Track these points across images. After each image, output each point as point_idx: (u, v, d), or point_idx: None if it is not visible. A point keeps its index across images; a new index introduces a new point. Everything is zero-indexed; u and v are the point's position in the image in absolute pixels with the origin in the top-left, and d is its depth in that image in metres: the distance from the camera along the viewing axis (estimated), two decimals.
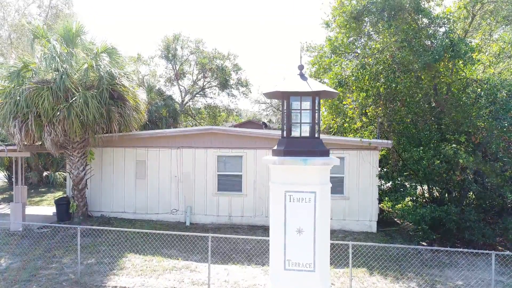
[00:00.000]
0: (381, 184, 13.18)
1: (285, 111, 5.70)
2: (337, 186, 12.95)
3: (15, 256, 10.02)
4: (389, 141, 12.32)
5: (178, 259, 10.00)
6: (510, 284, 8.99)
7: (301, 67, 5.88)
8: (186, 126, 31.62)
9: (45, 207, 15.79)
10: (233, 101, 33.79)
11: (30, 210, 15.09)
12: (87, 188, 13.46)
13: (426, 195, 13.11)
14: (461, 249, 8.66)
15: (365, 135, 11.78)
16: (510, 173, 10.09)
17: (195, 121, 35.43)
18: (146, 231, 9.54)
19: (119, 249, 10.62)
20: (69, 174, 13.04)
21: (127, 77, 12.71)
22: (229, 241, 11.63)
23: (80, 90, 11.20)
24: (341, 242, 8.78)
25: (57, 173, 19.24)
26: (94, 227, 9.58)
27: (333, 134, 18.42)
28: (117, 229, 9.44)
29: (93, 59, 11.39)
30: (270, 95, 5.80)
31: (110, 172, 13.92)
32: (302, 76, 5.74)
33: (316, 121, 5.63)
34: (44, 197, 18.18)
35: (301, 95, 5.49)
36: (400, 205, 12.23)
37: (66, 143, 11.94)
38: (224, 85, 32.01)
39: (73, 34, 11.97)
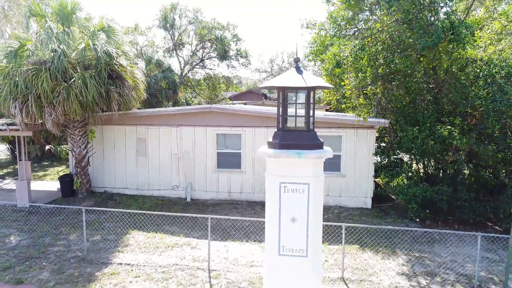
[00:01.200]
0: (378, 161, 13.43)
1: (280, 103, 5.83)
2: (334, 163, 13.23)
3: (24, 233, 10.48)
4: (386, 120, 12.45)
5: (179, 236, 10.46)
6: (495, 260, 9.45)
7: (297, 60, 5.94)
8: (186, 98, 31.59)
9: (49, 182, 16.18)
10: (233, 72, 33.49)
11: (35, 185, 15.45)
12: (90, 166, 13.77)
13: (422, 170, 13.40)
14: (449, 231, 9.07)
15: (363, 113, 11.87)
16: (503, 154, 10.31)
17: (195, 92, 35.27)
18: (149, 212, 9.93)
19: (122, 226, 11.06)
20: (71, 152, 13.30)
21: (125, 56, 12.64)
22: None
23: (79, 70, 11.20)
24: (335, 223, 9.13)
25: (59, 146, 19.49)
26: (98, 208, 9.94)
27: (332, 110, 18.54)
28: (121, 210, 9.79)
29: (90, 39, 11.29)
30: (267, 88, 5.90)
31: (111, 149, 14.17)
32: (298, 69, 5.80)
33: (311, 114, 5.76)
34: (48, 171, 18.56)
35: (296, 90, 5.60)
36: (395, 181, 12.56)
37: (67, 122, 12.09)
38: (223, 56, 31.57)
39: (68, 12, 11.78)
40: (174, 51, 32.82)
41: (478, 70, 10.77)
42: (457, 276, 8.50)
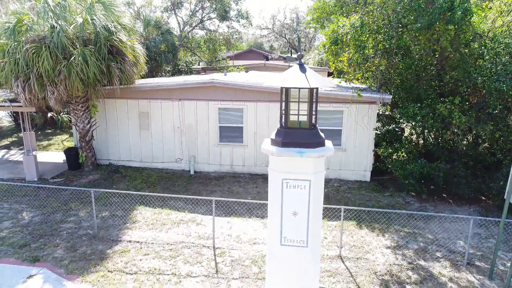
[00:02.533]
0: (379, 128, 13.51)
1: (283, 101, 5.90)
2: (335, 138, 13.39)
3: (35, 208, 10.90)
4: (388, 96, 12.43)
5: (184, 212, 10.89)
6: (486, 237, 9.92)
7: (300, 56, 5.91)
8: (186, 62, 31.04)
9: (55, 153, 16.46)
10: (234, 34, 32.58)
11: (40, 156, 15.75)
12: (94, 140, 13.96)
13: (422, 142, 13.58)
14: (442, 214, 9.43)
15: (366, 83, 11.86)
16: (500, 134, 10.44)
17: (195, 55, 34.57)
18: (155, 194, 10.22)
19: (129, 202, 11.48)
20: (75, 126, 13.43)
21: (125, 29, 12.34)
22: (232, 191, 12.47)
23: (78, 46, 11.02)
24: (334, 206, 9.47)
25: (60, 116, 19.56)
26: (107, 190, 10.22)
27: (332, 77, 18.24)
28: (128, 192, 10.10)
29: (88, 13, 10.98)
30: (270, 87, 5.93)
31: (114, 123, 14.28)
32: (301, 66, 5.79)
33: (314, 112, 5.85)
34: (52, 141, 18.79)
35: (299, 88, 5.64)
36: (394, 155, 12.80)
37: (70, 98, 12.10)
38: (223, 17, 30.58)
39: None
40: (173, 11, 31.74)
41: (483, 47, 10.59)
42: (448, 253, 8.99)
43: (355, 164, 13.48)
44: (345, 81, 12.74)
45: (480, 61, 10.57)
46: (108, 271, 8.08)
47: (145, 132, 14.21)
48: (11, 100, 11.90)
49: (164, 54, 27.43)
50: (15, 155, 16.20)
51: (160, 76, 26.85)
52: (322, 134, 6.08)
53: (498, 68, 10.02)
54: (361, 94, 11.54)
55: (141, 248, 8.96)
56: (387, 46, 10.83)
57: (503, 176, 10.84)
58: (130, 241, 9.22)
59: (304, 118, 5.87)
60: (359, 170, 13.53)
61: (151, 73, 25.84)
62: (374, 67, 11.52)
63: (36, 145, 17.20)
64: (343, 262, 8.54)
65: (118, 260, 8.45)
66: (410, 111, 11.25)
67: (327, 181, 13.51)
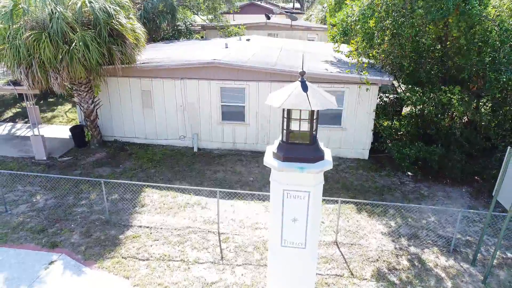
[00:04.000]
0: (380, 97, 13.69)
1: (285, 117, 6.12)
2: (336, 118, 13.62)
3: (48, 191, 11.45)
4: (390, 78, 12.45)
5: (190, 194, 11.44)
6: (474, 220, 10.53)
7: (302, 73, 6.03)
8: (185, 24, 30.13)
9: (60, 128, 16.71)
10: None
11: (46, 131, 16.05)
12: (98, 118, 14.20)
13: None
14: (432, 207, 9.93)
15: (365, 69, 11.84)
16: (497, 122, 10.67)
17: (194, 13, 33.40)
18: (161, 185, 10.72)
19: (136, 184, 12.01)
20: (79, 106, 13.60)
21: (123, 7, 12.04)
22: (235, 171, 12.95)
23: (78, 30, 10.87)
24: (331, 198, 9.97)
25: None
26: (116, 181, 10.61)
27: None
28: (136, 183, 10.61)
29: None
30: (272, 105, 6.11)
31: (117, 101, 14.41)
32: (303, 84, 5.95)
33: (314, 129, 6.09)
34: (55, 112, 18.95)
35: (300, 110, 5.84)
36: (393, 133, 13.12)
37: (73, 82, 12.15)
38: None
39: None
40: None
41: (488, 33, 10.45)
42: (437, 238, 9.65)
43: (354, 142, 13.82)
44: (350, 58, 12.60)
45: (484, 47, 10.49)
46: (122, 257, 8.78)
47: (148, 110, 14.39)
48: (14, 83, 11.98)
49: (163, 15, 26.62)
50: (22, 129, 16.49)
51: (159, 39, 26.29)
52: (322, 148, 6.37)
53: (501, 56, 9.99)
54: (369, 82, 11.60)
55: (150, 233, 9.61)
56: (394, 31, 10.69)
57: (496, 161, 11.25)
58: (140, 226, 9.86)
59: (305, 134, 6.13)
60: (358, 149, 13.90)
61: (149, 35, 25.29)
62: (380, 50, 11.43)
63: (40, 118, 17.46)
64: (338, 248, 9.22)
65: (130, 246, 9.14)
66: (412, 97, 11.40)
67: None
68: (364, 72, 11.47)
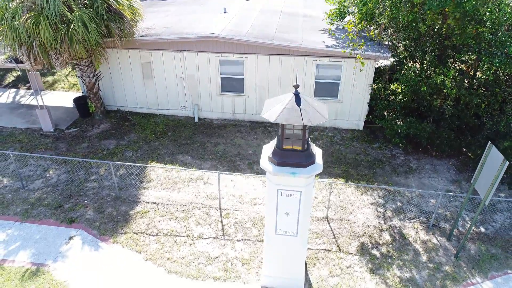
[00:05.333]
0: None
1: (280, 127, 6.59)
2: (333, 90, 13.91)
3: (59, 165, 12.19)
4: (388, 54, 12.54)
5: (193, 168, 12.19)
6: (456, 196, 11.38)
7: (296, 86, 6.40)
8: None
9: (62, 94, 16.98)
10: None
11: (49, 99, 16.39)
12: (101, 90, 14.48)
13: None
14: (417, 190, 10.60)
15: (361, 59, 11.95)
16: (485, 104, 11.03)
17: None
18: (166, 166, 11.36)
19: (142, 155, 12.71)
20: (82, 80, 13.82)
21: None
22: (234, 144, 13.58)
23: (75, 9, 10.79)
24: (324, 180, 10.68)
25: None
26: (125, 163, 11.11)
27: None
28: (141, 165, 11.20)
29: None
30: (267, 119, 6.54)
31: (118, 72, 14.57)
32: (296, 98, 6.35)
33: (306, 138, 6.61)
34: (56, 76, 19.05)
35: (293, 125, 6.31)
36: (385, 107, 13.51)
37: (74, 59, 12.29)
38: None
39: None
40: None
41: (488, 14, 10.41)
42: (419, 213, 10.57)
43: (350, 114, 14.27)
44: (349, 41, 12.56)
45: (480, 28, 10.51)
46: (134, 233, 9.77)
47: (149, 81, 14.62)
48: (16, 60, 12.11)
49: None
50: (25, 96, 16.79)
51: None
52: (314, 152, 6.96)
53: (497, 40, 10.09)
54: (364, 62, 11.73)
55: (158, 209, 10.53)
56: (391, 15, 10.64)
57: (483, 138, 11.82)
58: (148, 202, 10.75)
59: (298, 142, 6.66)
60: (353, 120, 14.38)
61: None
62: (376, 29, 11.42)
63: (42, 84, 17.68)
64: (329, 223, 10.18)
65: (140, 222, 10.09)
66: (406, 76, 11.65)
67: (323, 130, 14.51)
68: (358, 56, 11.56)
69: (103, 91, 14.91)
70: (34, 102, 16.05)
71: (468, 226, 10.14)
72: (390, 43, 12.46)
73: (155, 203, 10.73)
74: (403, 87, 11.92)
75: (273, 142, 7.10)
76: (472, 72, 11.43)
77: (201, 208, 10.58)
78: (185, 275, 8.66)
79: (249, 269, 8.83)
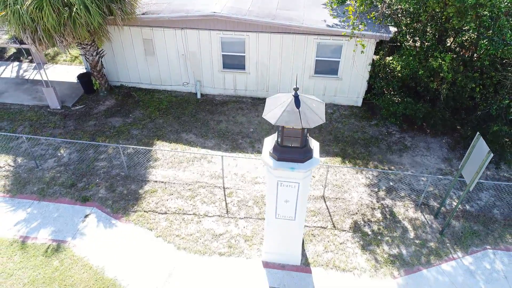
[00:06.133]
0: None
1: (280, 129, 7.05)
2: (333, 68, 14.11)
3: (70, 144, 12.73)
4: (387, 35, 12.60)
5: (197, 147, 12.75)
6: (446, 173, 12.04)
7: (296, 89, 6.77)
8: None
9: (65, 68, 17.13)
10: None
11: (52, 73, 16.56)
12: (104, 68, 14.66)
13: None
14: (407, 172, 11.18)
15: (363, 25, 11.99)
16: (480, 88, 11.35)
17: None
18: (170, 150, 11.87)
19: (147, 134, 13.23)
20: (85, 58, 13.98)
21: None
22: (236, 121, 14.02)
23: None
24: (321, 159, 11.22)
25: None
26: (135, 146, 11.58)
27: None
28: (146, 148, 11.69)
29: None
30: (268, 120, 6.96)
31: (120, 49, 14.66)
32: (296, 100, 6.75)
33: (305, 135, 7.09)
34: (57, 48, 19.00)
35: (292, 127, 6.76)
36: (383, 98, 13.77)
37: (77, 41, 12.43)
38: None
39: None
40: None
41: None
42: (410, 191, 11.28)
43: (349, 91, 14.57)
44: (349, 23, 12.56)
45: (480, 10, 10.56)
46: (144, 211, 10.55)
47: (151, 58, 14.76)
48: (21, 41, 12.23)
49: None
50: (28, 70, 16.95)
51: None
52: (311, 147, 7.47)
53: (497, 26, 10.21)
54: (364, 45, 11.87)
55: (165, 188, 11.23)
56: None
57: (475, 119, 12.26)
58: (156, 181, 11.44)
59: (296, 140, 7.15)
60: (352, 97, 14.71)
61: None
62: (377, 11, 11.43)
63: (44, 57, 17.75)
64: (325, 202, 10.93)
65: (149, 200, 10.84)
66: (404, 58, 11.85)
67: None
68: (358, 41, 11.67)
69: (106, 68, 15.10)
70: (38, 77, 16.28)
71: (455, 204, 10.89)
72: (391, 23, 12.47)
73: (162, 182, 11.43)
74: (402, 70, 12.15)
75: (274, 137, 7.59)
76: (469, 54, 11.59)
77: (206, 187, 11.29)
78: (193, 251, 9.54)
79: (251, 246, 9.70)
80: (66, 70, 16.92)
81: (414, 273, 9.20)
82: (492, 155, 7.97)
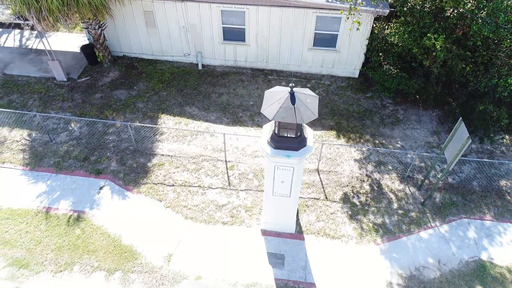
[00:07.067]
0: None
1: (276, 124, 7.75)
2: (331, 41, 14.37)
3: (79, 117, 13.42)
4: (386, 10, 12.74)
5: (200, 120, 13.46)
6: (433, 146, 12.88)
7: (292, 87, 7.38)
8: None
9: (67, 36, 17.26)
10: None
11: (54, 42, 16.72)
12: (107, 40, 14.89)
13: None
14: (397, 150, 11.93)
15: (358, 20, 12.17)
16: (470, 67, 11.78)
17: None
18: (174, 128, 12.49)
19: (152, 107, 13.87)
20: (88, 31, 14.19)
21: None
22: (237, 94, 14.57)
23: None
24: (317, 132, 11.95)
25: None
26: (140, 124, 12.24)
27: None
28: (152, 125, 12.29)
29: None
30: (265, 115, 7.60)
31: (122, 21, 14.76)
32: (292, 97, 7.39)
33: (299, 128, 7.81)
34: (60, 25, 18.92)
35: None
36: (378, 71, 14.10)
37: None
38: None
39: None
40: None
41: None
42: (398, 165, 12.20)
43: (347, 63, 14.94)
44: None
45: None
46: (153, 183, 11.54)
47: (152, 30, 14.94)
48: (25, 18, 12.44)
49: None
50: (31, 39, 17.10)
51: None
52: (305, 135, 8.22)
53: (490, 8, 10.45)
54: (360, 22, 12.02)
55: (172, 161, 12.14)
56: None
57: (465, 95, 12.83)
58: (163, 155, 12.32)
59: (292, 131, 7.89)
60: (350, 69, 15.11)
61: None
62: None
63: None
64: (319, 175, 11.89)
65: (158, 173, 11.79)
66: (400, 35, 12.15)
67: (320, 78, 15.35)
68: (355, 21, 11.82)
69: (109, 39, 15.33)
70: (41, 46, 16.51)
71: (439, 176, 11.85)
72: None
73: (169, 155, 12.31)
74: (396, 47, 12.50)
75: (272, 125, 8.32)
76: (461, 32, 11.87)
77: (209, 161, 12.19)
78: (199, 220, 10.68)
79: (251, 215, 10.81)
80: (68, 39, 17.09)
81: (395, 240, 10.39)
82: (470, 141, 8.74)
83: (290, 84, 7.35)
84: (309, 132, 8.44)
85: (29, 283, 9.35)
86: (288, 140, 8.01)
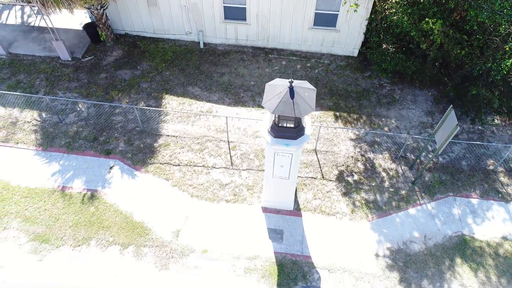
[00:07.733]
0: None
1: (276, 115, 8.27)
2: (331, 20, 14.51)
3: (85, 98, 13.88)
4: None
5: (202, 101, 13.92)
6: (427, 126, 13.43)
7: (291, 81, 7.84)
8: None
9: (69, 14, 17.24)
10: None
11: (56, 18, 16.73)
12: (109, 19, 14.98)
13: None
14: (389, 133, 12.44)
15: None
16: (466, 51, 12.07)
17: None
18: (174, 110, 12.88)
19: (156, 87, 14.28)
20: (90, 12, 14.29)
21: None
22: (238, 73, 14.91)
23: None
24: (316, 112, 12.45)
25: None
26: (144, 107, 12.64)
27: None
28: (157, 109, 12.71)
29: None
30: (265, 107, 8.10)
31: (123, 1, 14.81)
32: (291, 91, 7.87)
33: (298, 119, 8.35)
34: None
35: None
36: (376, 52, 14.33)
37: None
38: None
39: None
40: None
41: None
42: (392, 145, 12.82)
43: (346, 43, 15.15)
44: None
45: None
46: (160, 163, 12.24)
47: (154, 8, 15.00)
48: (29, 1, 12.56)
49: None
50: (32, 16, 17.12)
51: None
52: (304, 125, 8.78)
53: None
54: (358, 4, 12.21)
55: (177, 142, 12.76)
56: None
57: (460, 77, 13.21)
58: (168, 135, 12.92)
59: (291, 122, 8.43)
60: (349, 48, 15.34)
61: None
62: None
63: None
64: (316, 155, 12.55)
65: (164, 153, 12.46)
66: (399, 18, 12.36)
67: (320, 57, 15.61)
68: (352, 5, 11.96)
69: (110, 17, 15.43)
70: (43, 23, 16.59)
71: (430, 156, 12.51)
72: None
73: (174, 136, 12.91)
74: (395, 28, 12.71)
75: (272, 115, 8.85)
76: (458, 17, 12.07)
77: (213, 141, 12.81)
78: (204, 198, 11.48)
79: (252, 194, 11.60)
80: (70, 16, 17.09)
81: (385, 216, 11.25)
82: (459, 128, 9.31)
83: (289, 79, 7.82)
84: (307, 121, 8.99)
85: (51, 256, 10.30)
86: (287, 130, 8.58)
